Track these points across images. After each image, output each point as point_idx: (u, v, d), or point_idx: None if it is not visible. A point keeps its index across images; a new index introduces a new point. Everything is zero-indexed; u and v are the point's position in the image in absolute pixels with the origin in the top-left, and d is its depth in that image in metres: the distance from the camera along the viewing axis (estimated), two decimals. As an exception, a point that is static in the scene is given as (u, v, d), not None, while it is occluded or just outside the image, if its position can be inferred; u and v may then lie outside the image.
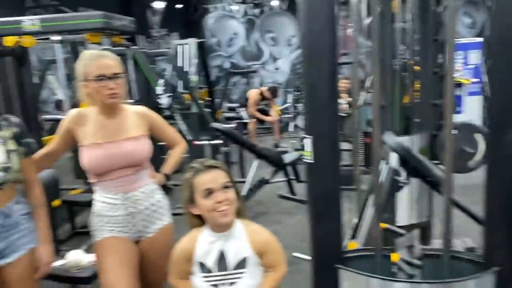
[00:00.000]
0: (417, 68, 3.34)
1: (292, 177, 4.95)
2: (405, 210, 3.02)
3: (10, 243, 1.75)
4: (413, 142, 2.87)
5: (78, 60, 1.97)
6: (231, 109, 8.46)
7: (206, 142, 5.92)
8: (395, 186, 2.24)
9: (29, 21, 3.34)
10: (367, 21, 4.96)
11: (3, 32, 3.41)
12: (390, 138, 2.12)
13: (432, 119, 3.13)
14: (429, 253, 1.61)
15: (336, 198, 1.40)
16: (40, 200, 1.87)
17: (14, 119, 1.82)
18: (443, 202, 1.27)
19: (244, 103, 8.23)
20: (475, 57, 6.46)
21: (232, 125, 6.11)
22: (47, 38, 3.46)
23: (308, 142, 1.36)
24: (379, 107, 1.30)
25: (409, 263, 1.69)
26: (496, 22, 1.29)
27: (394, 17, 3.14)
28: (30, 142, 1.82)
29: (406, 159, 2.08)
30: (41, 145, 3.06)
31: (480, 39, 6.72)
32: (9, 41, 3.41)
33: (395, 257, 1.49)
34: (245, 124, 7.70)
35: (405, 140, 2.70)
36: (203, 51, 8.23)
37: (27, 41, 3.38)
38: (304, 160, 1.43)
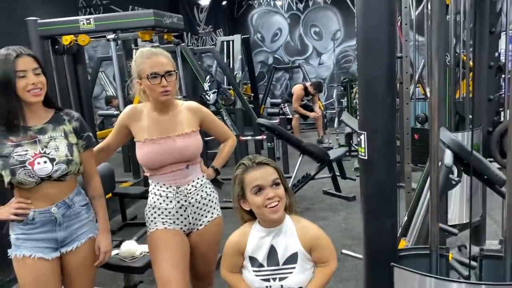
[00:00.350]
0: (470, 62, 3.22)
1: (337, 173, 4.90)
2: (457, 209, 2.93)
3: (72, 232, 1.84)
4: (466, 139, 2.78)
5: (132, 58, 2.05)
6: (275, 105, 8.46)
7: (251, 137, 5.97)
8: (448, 184, 2.18)
9: (85, 20, 3.48)
10: (415, 13, 4.81)
11: (61, 31, 3.58)
12: (444, 135, 2.05)
13: (486, 115, 3.02)
14: (488, 254, 1.56)
15: (392, 195, 1.38)
16: (99, 192, 1.95)
17: (75, 113, 1.91)
18: (506, 201, 1.23)
19: (287, 99, 8.20)
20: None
21: (276, 120, 6.11)
22: (103, 36, 3.59)
23: (363, 138, 1.35)
24: (438, 101, 1.26)
25: (463, 264, 1.64)
26: None
27: (447, 9, 3.04)
28: (89, 135, 1.91)
29: (462, 157, 2.01)
30: (96, 139, 3.19)
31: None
32: (66, 39, 3.58)
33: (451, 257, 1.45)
34: (289, 119, 7.67)
35: (458, 137, 2.61)
36: (248, 47, 8.29)
37: (82, 39, 3.53)
38: (359, 157, 1.42)
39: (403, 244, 2.46)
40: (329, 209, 4.56)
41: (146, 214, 2.06)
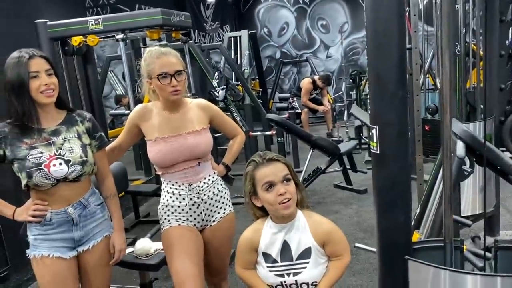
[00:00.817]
0: (480, 52, 3.19)
1: (347, 166, 4.89)
2: (469, 200, 2.91)
3: (88, 231, 1.87)
4: (478, 129, 2.76)
5: (141, 57, 2.06)
6: (283, 99, 8.45)
7: (261, 133, 5.98)
8: (461, 175, 2.17)
9: (94, 21, 3.50)
10: (424, 3, 4.76)
11: (71, 32, 3.61)
12: (456, 126, 2.04)
13: (498, 105, 2.99)
14: (503, 245, 1.55)
15: (406, 189, 1.38)
16: (113, 191, 1.97)
17: (87, 114, 1.93)
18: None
19: (295, 93, 8.18)
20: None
21: (285, 115, 6.11)
22: (112, 36, 3.61)
23: (374, 132, 1.35)
24: (449, 92, 1.25)
25: (478, 255, 1.63)
26: None
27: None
28: (102, 135, 1.93)
29: (474, 148, 1.99)
30: (108, 138, 3.23)
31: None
32: (76, 40, 3.60)
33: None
34: (298, 114, 7.65)
35: (470, 127, 2.59)
36: (255, 42, 8.27)
37: (91, 40, 3.55)
38: (371, 151, 1.41)
39: (416, 236, 2.46)
40: (341, 202, 4.56)
41: (160, 212, 2.08)
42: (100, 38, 3.67)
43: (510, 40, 3.19)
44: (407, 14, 3.97)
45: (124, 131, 2.11)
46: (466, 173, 2.20)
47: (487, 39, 2.89)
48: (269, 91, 9.39)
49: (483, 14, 2.96)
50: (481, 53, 3.12)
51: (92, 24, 3.50)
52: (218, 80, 5.73)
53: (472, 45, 3.31)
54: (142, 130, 2.04)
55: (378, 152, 1.35)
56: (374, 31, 1.31)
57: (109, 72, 7.11)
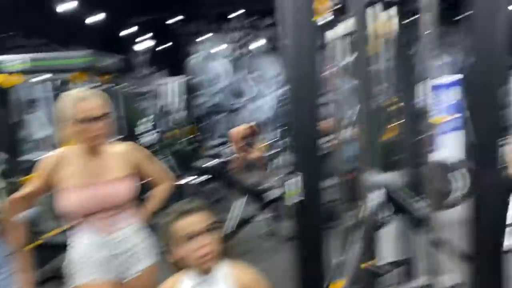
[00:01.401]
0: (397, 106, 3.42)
1: (277, 213, 4.92)
2: (387, 248, 3.02)
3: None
4: (394, 179, 2.92)
5: (61, 100, 1.96)
6: (214, 146, 8.49)
7: (189, 180, 5.90)
8: (377, 224, 2.25)
9: (18, 60, 3.34)
10: (346, 61, 5.09)
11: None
12: (374, 176, 2.14)
13: (413, 157, 3.19)
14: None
15: (318, 238, 1.40)
16: (22, 241, 1.82)
17: (3, 155, 1.80)
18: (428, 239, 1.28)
19: (228, 140, 8.26)
20: (453, 94, 6.69)
21: (216, 162, 6.10)
22: (37, 76, 3.45)
23: (291, 182, 1.37)
24: (365, 145, 1.32)
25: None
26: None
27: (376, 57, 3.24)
28: (16, 181, 1.80)
29: (391, 196, 2.10)
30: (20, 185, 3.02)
31: (459, 76, 6.95)
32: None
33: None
34: (230, 161, 7.68)
35: (387, 177, 2.74)
36: (190, 89, 8.36)
37: (9, 80, 3.34)
38: (288, 201, 1.43)
39: (339, 285, 2.49)
40: (270, 250, 4.53)
41: (69, 267, 1.92)
42: (24, 78, 3.49)
43: (422, 96, 3.48)
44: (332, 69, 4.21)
45: (36, 178, 1.96)
46: (383, 222, 2.29)
47: (405, 95, 3.12)
48: (203, 137, 9.40)
49: (399, 74, 3.20)
50: (400, 106, 3.33)
51: (15, 63, 3.33)
52: (152, 123, 5.67)
53: (394, 99, 3.53)
54: (56, 178, 1.91)
55: (293, 201, 1.37)
56: (292, 86, 1.38)
57: (29, 115, 6.76)
